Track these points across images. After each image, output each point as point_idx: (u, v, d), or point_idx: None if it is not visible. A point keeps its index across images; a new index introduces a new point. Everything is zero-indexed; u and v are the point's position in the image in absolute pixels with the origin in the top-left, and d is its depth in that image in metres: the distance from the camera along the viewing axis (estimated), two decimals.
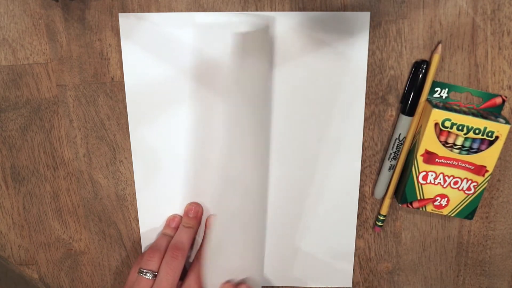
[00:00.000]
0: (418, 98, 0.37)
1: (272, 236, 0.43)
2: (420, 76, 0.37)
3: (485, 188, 0.38)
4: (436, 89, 0.38)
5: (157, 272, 0.39)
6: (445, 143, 0.37)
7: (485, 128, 0.36)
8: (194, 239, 0.42)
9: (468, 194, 0.38)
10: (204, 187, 0.42)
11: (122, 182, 0.42)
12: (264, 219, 0.43)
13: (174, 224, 0.42)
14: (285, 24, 0.37)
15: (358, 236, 0.43)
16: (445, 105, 0.37)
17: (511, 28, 0.36)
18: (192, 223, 0.41)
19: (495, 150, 0.36)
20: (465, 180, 0.38)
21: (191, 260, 0.43)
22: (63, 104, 0.40)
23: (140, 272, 0.39)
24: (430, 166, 0.37)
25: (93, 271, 0.45)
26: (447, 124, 0.36)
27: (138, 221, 0.43)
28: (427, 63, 0.37)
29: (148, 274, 0.38)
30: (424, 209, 0.39)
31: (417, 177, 0.38)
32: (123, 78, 0.39)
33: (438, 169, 0.37)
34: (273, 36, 0.37)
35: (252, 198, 0.42)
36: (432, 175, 0.38)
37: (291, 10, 0.37)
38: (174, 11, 0.37)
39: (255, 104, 0.39)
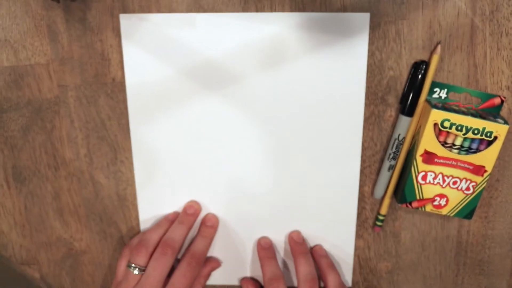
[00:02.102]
0: (418, 99, 0.38)
1: (272, 235, 0.43)
2: (420, 76, 0.37)
3: (484, 188, 0.38)
4: (435, 89, 0.38)
5: (145, 267, 0.38)
6: (444, 143, 0.37)
7: (484, 128, 0.36)
8: (186, 237, 0.42)
9: (467, 194, 0.38)
10: (205, 187, 0.42)
11: (123, 182, 0.42)
12: (267, 220, 0.43)
13: (171, 217, 0.42)
14: (285, 24, 0.37)
15: (358, 236, 0.43)
16: (444, 106, 0.38)
17: (509, 29, 0.37)
18: (188, 220, 0.41)
19: (493, 150, 0.37)
20: (464, 180, 0.38)
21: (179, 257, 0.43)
22: (64, 105, 0.40)
23: (129, 266, 0.39)
24: (429, 166, 0.38)
25: (94, 270, 0.46)
26: (446, 124, 0.36)
27: (138, 220, 0.43)
28: (426, 63, 0.37)
29: (136, 270, 0.38)
30: (423, 209, 0.39)
31: (417, 177, 0.38)
32: (124, 78, 0.39)
33: (437, 169, 0.38)
34: (273, 37, 0.38)
35: (257, 199, 0.42)
36: (431, 175, 0.38)
37: (291, 11, 0.37)
38: (175, 12, 0.37)
39: (255, 105, 0.39)
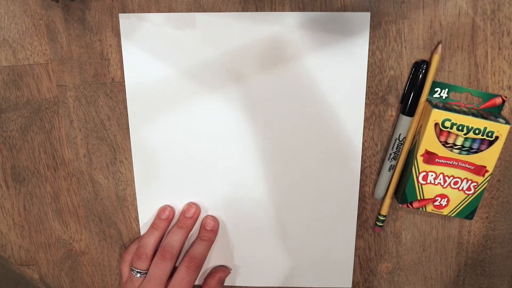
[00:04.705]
0: (418, 98, 0.37)
1: (272, 236, 0.43)
2: (420, 76, 0.37)
3: (485, 188, 0.38)
4: (436, 89, 0.38)
5: (146, 271, 0.40)
6: (445, 143, 0.37)
7: (485, 128, 0.36)
8: (185, 241, 0.42)
9: (468, 194, 0.38)
10: (204, 187, 0.42)
11: (123, 183, 0.42)
12: (267, 220, 0.43)
13: (164, 216, 0.42)
14: (285, 24, 0.37)
15: (358, 236, 0.43)
16: (445, 105, 0.38)
17: (510, 28, 0.36)
18: (187, 224, 0.41)
19: (495, 150, 0.36)
20: (465, 180, 0.38)
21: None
22: (63, 105, 0.40)
23: (132, 270, 0.41)
24: (430, 166, 0.37)
25: (93, 271, 0.45)
26: (447, 124, 0.36)
27: (138, 221, 0.43)
28: (427, 63, 0.37)
29: (138, 274, 0.40)
30: (424, 209, 0.39)
31: (417, 177, 0.38)
32: (123, 78, 0.39)
33: (438, 169, 0.37)
34: (273, 36, 0.37)
35: (256, 199, 0.42)
36: (432, 175, 0.38)
37: (291, 10, 0.37)
38: (174, 12, 0.37)
39: (255, 104, 0.39)
